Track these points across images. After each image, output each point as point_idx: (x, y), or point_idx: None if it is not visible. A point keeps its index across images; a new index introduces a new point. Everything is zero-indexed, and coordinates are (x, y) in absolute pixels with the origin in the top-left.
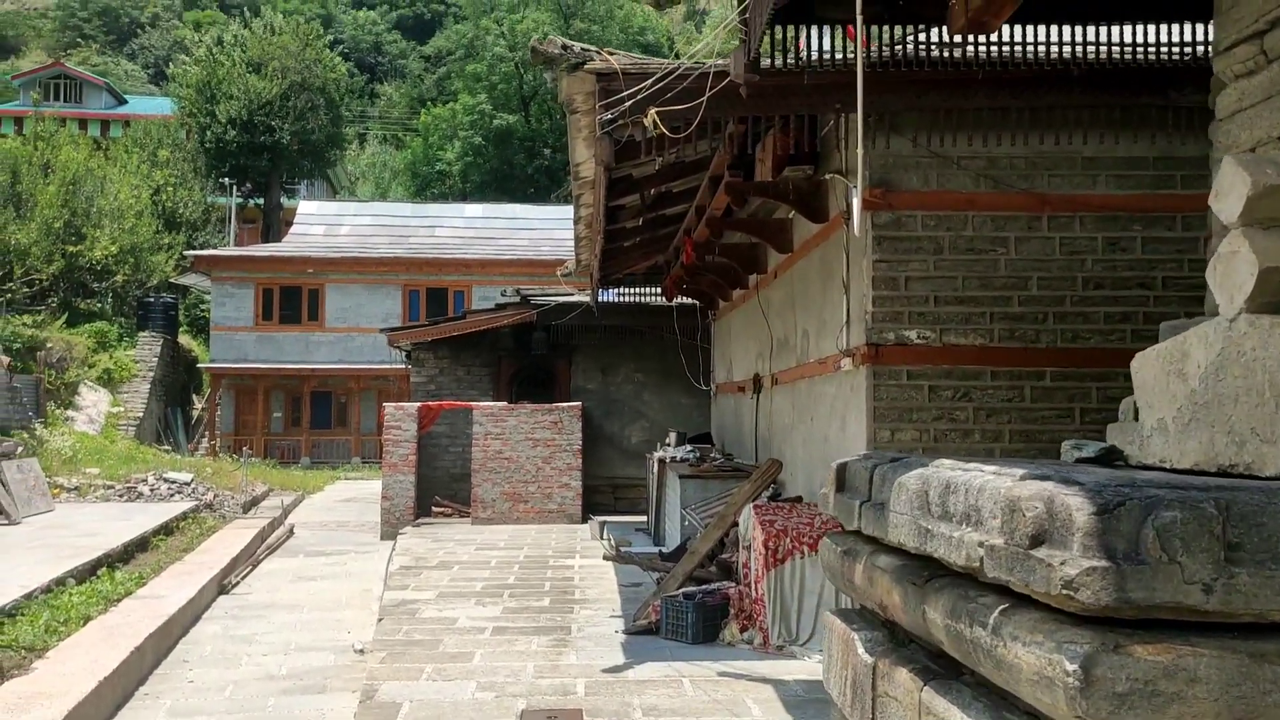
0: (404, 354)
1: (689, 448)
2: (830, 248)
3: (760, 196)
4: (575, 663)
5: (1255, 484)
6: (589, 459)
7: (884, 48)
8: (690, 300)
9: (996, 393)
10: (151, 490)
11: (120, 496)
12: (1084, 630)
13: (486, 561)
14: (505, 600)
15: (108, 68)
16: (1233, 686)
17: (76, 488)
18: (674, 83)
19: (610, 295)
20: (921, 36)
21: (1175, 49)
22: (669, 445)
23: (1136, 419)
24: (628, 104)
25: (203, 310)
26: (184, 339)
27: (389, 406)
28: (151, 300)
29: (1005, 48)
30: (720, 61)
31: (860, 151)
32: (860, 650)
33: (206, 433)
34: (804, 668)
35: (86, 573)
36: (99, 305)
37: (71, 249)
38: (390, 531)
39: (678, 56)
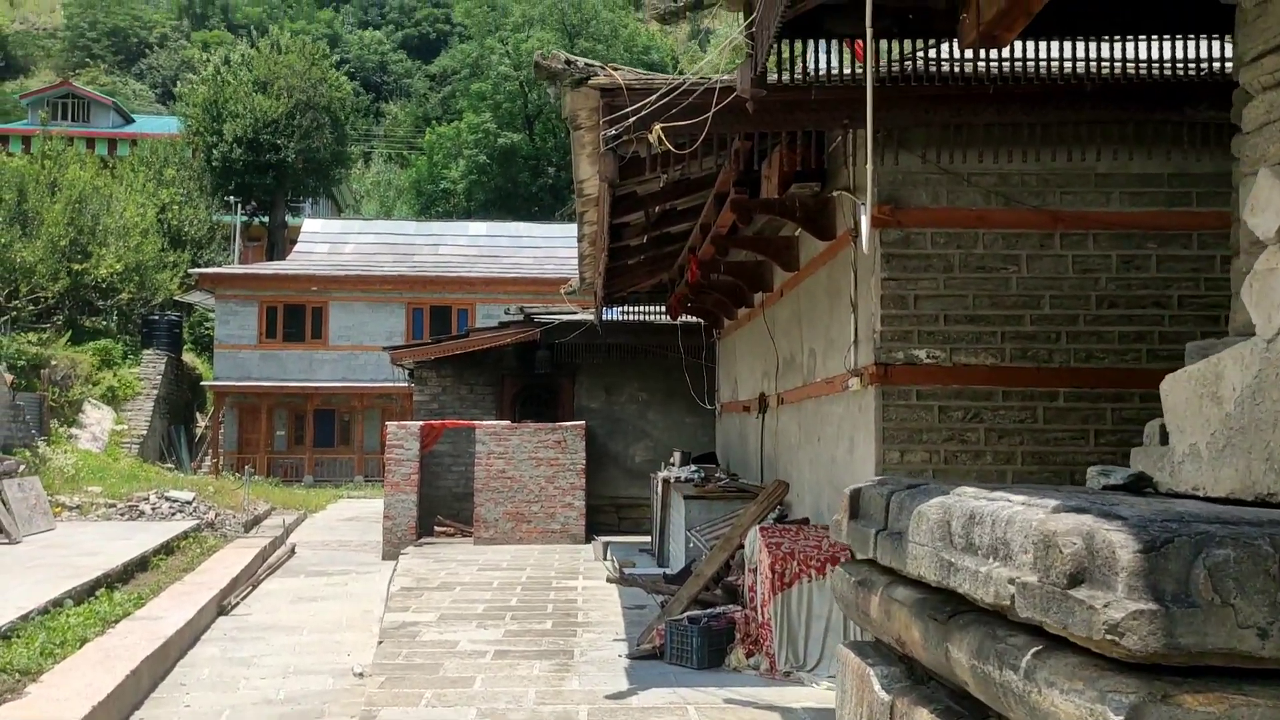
0: (407, 372)
1: (693, 468)
2: (837, 265)
3: (766, 214)
4: (578, 688)
5: None
6: (592, 478)
7: (892, 63)
8: (695, 319)
9: (1008, 414)
10: (153, 509)
11: (122, 515)
12: (1129, 678)
13: (489, 583)
14: (507, 623)
15: (115, 87)
16: None
17: (78, 506)
18: (679, 98)
19: (614, 313)
20: (930, 52)
21: (1190, 65)
22: (673, 465)
23: (1163, 443)
24: (632, 120)
25: (207, 328)
26: (188, 357)
27: (391, 425)
28: (156, 318)
29: (1016, 64)
30: (726, 77)
31: (870, 167)
32: (876, 687)
33: (210, 451)
34: (812, 695)
35: (85, 593)
36: (104, 323)
37: (77, 267)
38: (392, 551)
39: (682, 74)
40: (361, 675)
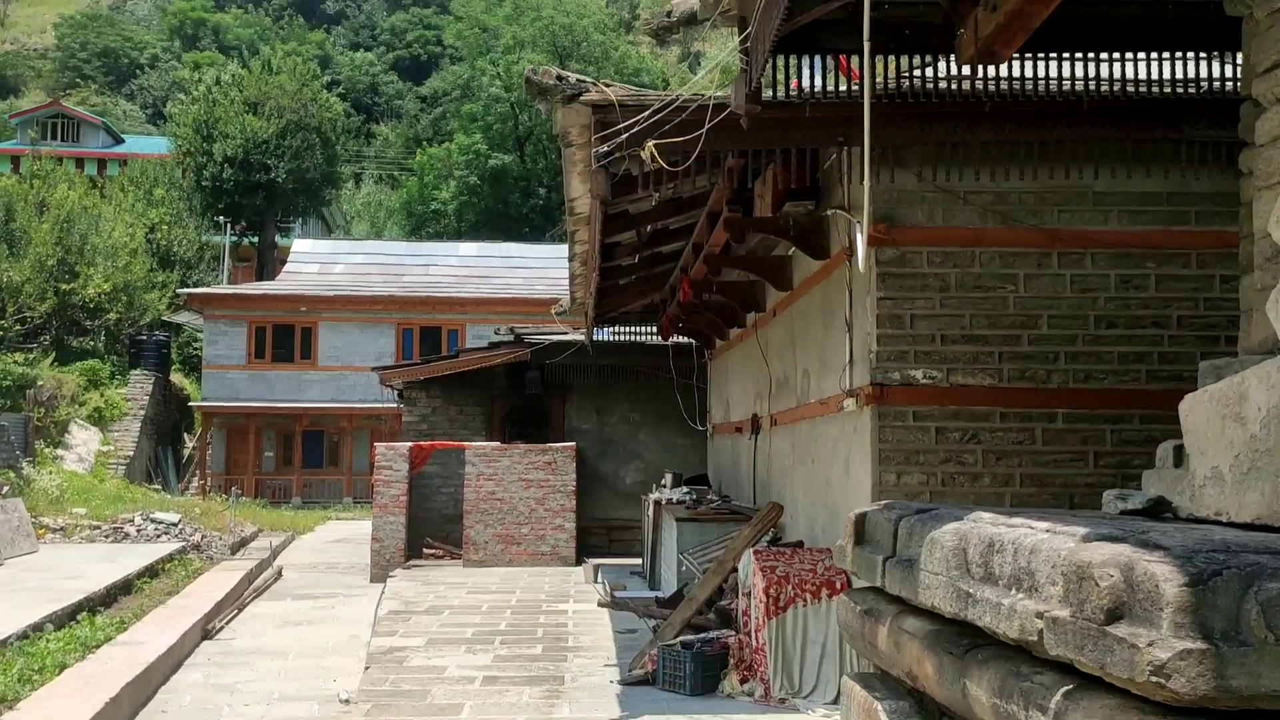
0: (396, 393)
1: (685, 489)
2: (832, 285)
3: (760, 233)
4: (568, 716)
5: None
6: (583, 500)
7: (888, 80)
8: (686, 339)
9: (1006, 435)
10: (138, 531)
11: (106, 537)
12: None
13: (478, 606)
14: (496, 647)
15: (106, 108)
16: None
17: (62, 528)
18: (671, 115)
19: (605, 334)
20: (925, 69)
21: (1189, 85)
22: (665, 487)
23: (1177, 465)
24: (624, 136)
25: (195, 349)
26: (176, 377)
27: (380, 446)
28: (144, 338)
29: (1014, 82)
30: (720, 93)
31: (866, 185)
32: None
33: (197, 472)
34: None
35: (66, 617)
36: (91, 343)
37: (64, 287)
38: (380, 574)
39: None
40: (348, 702)
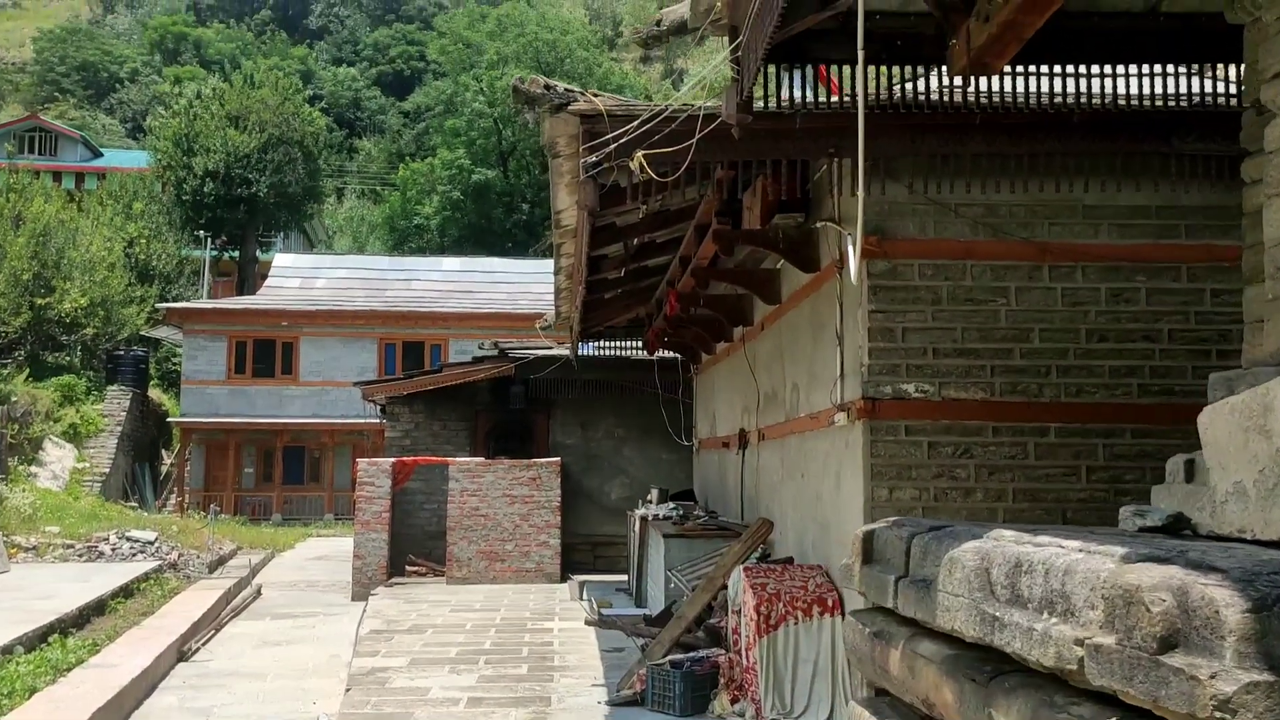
0: (379, 408)
1: (672, 505)
2: (822, 298)
3: (749, 245)
4: None
5: None
6: (567, 516)
7: (880, 90)
8: (672, 354)
9: (999, 449)
10: (113, 550)
11: (80, 556)
12: None
13: (462, 624)
14: (481, 667)
15: (85, 121)
16: None
17: (35, 547)
18: (661, 125)
19: (589, 349)
20: (913, 80)
21: (1179, 100)
22: (651, 503)
23: (1188, 480)
24: (613, 147)
25: (174, 364)
26: (154, 393)
27: (362, 462)
28: (121, 353)
29: (1004, 95)
30: (710, 104)
31: (861, 196)
32: None
33: (175, 489)
34: None
35: (37, 639)
36: (67, 358)
37: (40, 301)
38: (362, 592)
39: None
40: None
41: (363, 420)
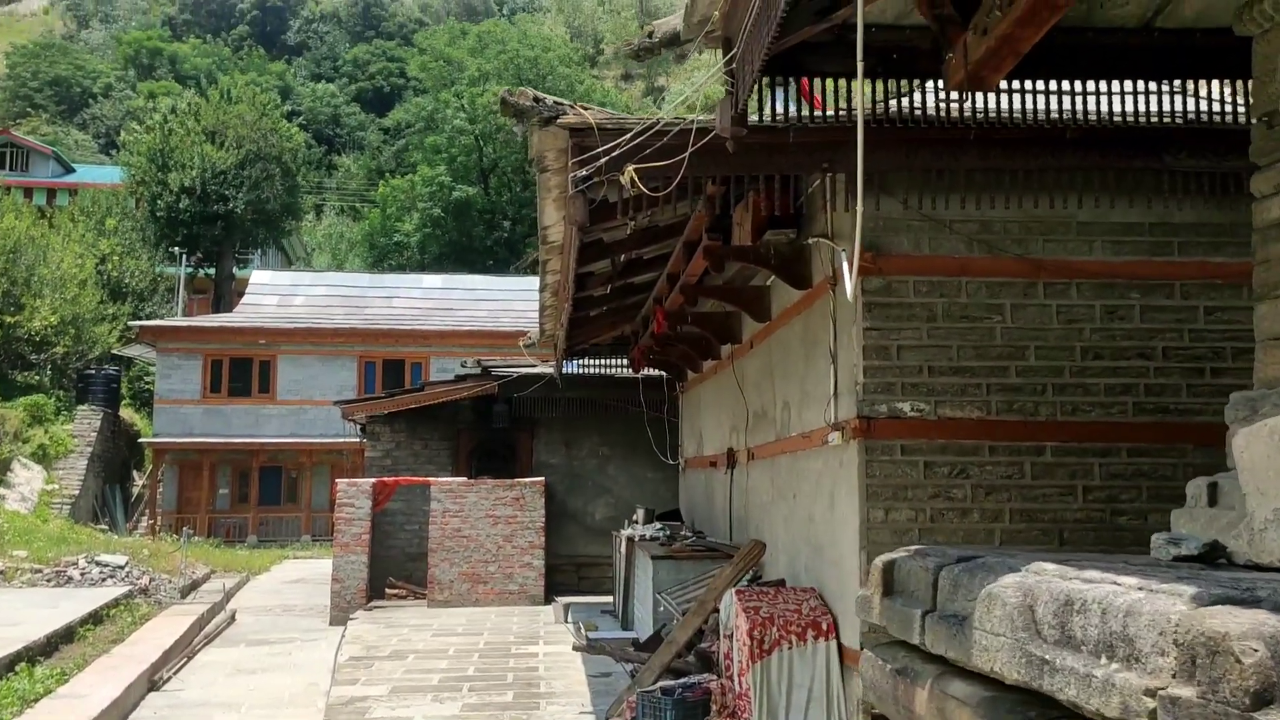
0: (359, 427)
1: (658, 525)
2: (814, 315)
3: (739, 261)
4: None
5: None
6: (551, 536)
7: (875, 105)
8: (657, 372)
9: (995, 469)
10: (82, 574)
11: (49, 581)
12: None
13: (444, 650)
14: (465, 694)
15: (57, 137)
16: None
17: (1, 572)
18: (652, 139)
19: (573, 366)
20: (906, 95)
21: (1172, 117)
22: (637, 523)
23: (1211, 504)
24: (603, 161)
25: (147, 383)
26: (126, 412)
27: (342, 482)
28: (92, 372)
29: (998, 107)
30: (703, 117)
31: (860, 209)
32: None
33: (147, 511)
34: None
35: (3, 669)
36: (36, 377)
37: (9, 319)
38: (340, 616)
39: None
40: None
41: (342, 440)
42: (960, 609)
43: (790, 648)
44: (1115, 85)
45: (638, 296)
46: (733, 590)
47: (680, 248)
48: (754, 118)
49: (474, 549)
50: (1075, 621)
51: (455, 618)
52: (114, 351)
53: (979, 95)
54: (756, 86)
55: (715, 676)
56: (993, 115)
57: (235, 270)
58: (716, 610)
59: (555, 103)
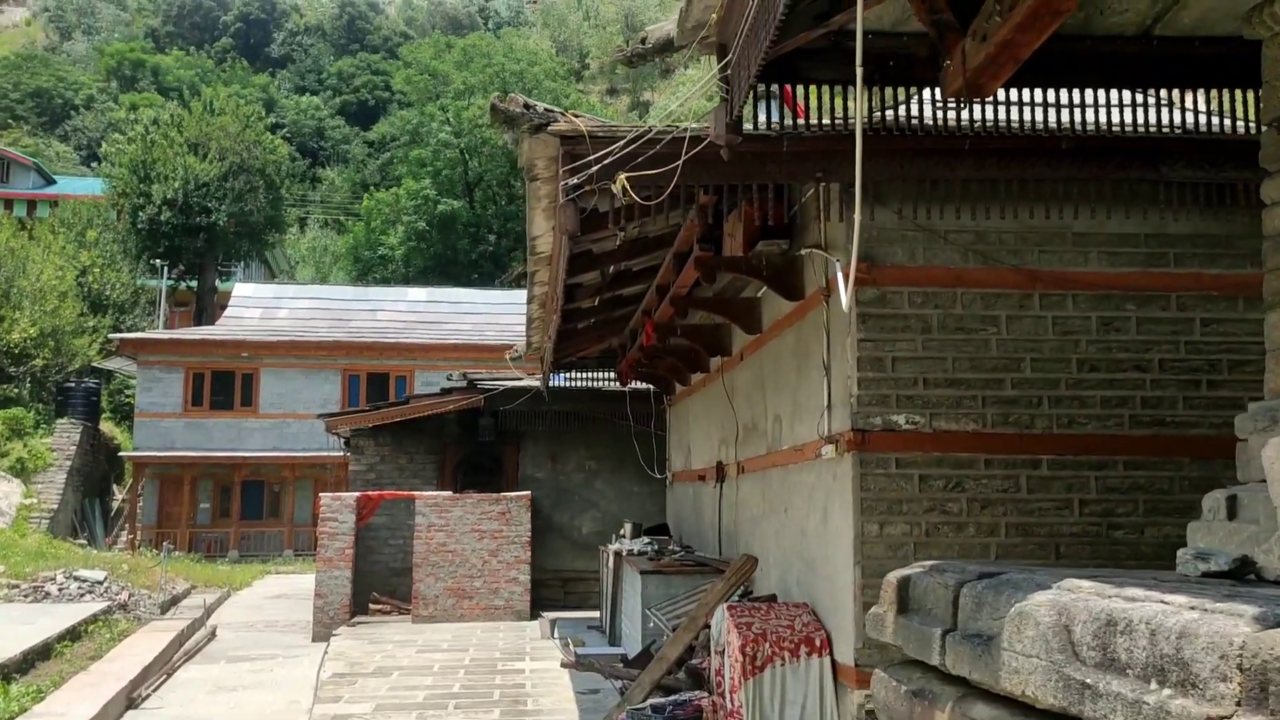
0: (343, 441)
1: (646, 540)
2: (807, 327)
3: (731, 272)
4: None
5: None
6: (537, 551)
7: (871, 112)
8: (645, 385)
9: (991, 482)
10: (60, 590)
11: (26, 596)
12: None
13: (429, 666)
14: (451, 713)
15: (38, 149)
16: None
17: None
18: (644, 147)
19: (560, 380)
20: (909, 104)
21: (1168, 128)
22: (624, 537)
23: (1230, 518)
24: (595, 169)
25: (127, 396)
26: (106, 426)
27: (325, 497)
28: (72, 385)
29: (994, 117)
30: (695, 126)
31: (857, 219)
32: None
33: (126, 525)
34: None
35: None
36: (15, 390)
37: None
38: (323, 632)
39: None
40: None
41: (326, 453)
42: (985, 628)
43: (783, 664)
44: (1112, 96)
45: (626, 309)
46: (724, 606)
47: (670, 259)
48: (748, 126)
49: (459, 564)
50: (1119, 643)
51: (440, 633)
52: (94, 364)
53: (975, 105)
54: (751, 93)
55: (707, 693)
56: (989, 125)
57: (218, 283)
58: (707, 626)
59: (546, 110)
